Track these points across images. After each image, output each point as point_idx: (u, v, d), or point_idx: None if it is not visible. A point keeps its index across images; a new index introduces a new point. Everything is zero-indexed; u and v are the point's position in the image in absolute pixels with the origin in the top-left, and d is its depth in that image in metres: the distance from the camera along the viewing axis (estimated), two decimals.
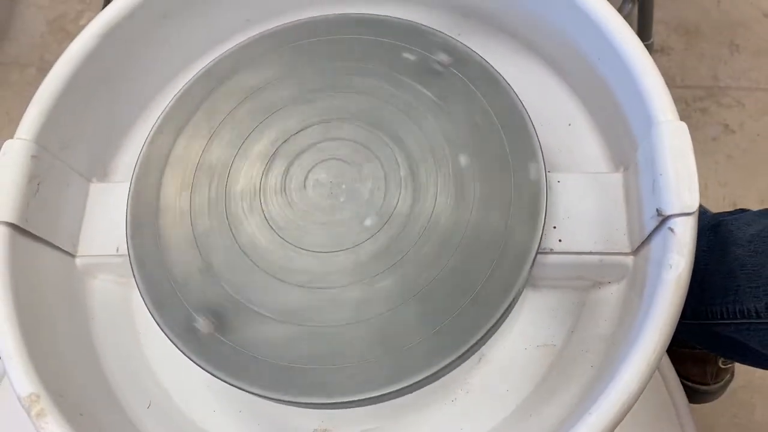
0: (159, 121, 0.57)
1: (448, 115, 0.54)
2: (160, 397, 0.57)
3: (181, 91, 0.58)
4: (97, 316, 0.59)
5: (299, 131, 0.55)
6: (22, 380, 0.47)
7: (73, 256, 0.59)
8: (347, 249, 0.50)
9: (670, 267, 0.44)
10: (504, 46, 0.65)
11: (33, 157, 0.54)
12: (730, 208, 1.12)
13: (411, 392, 0.48)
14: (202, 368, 0.47)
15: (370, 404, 0.48)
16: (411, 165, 0.52)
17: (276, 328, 0.47)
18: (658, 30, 1.23)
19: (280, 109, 0.56)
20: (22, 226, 0.53)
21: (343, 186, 0.52)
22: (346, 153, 0.53)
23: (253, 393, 0.46)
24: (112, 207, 0.60)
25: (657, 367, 0.43)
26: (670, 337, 0.43)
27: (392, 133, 0.54)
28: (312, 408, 0.47)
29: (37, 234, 0.55)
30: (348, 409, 0.55)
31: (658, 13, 1.10)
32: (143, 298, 0.51)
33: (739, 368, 0.95)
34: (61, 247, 0.57)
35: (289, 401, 0.46)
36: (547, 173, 0.52)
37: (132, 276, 0.59)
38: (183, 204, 0.52)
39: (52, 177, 0.57)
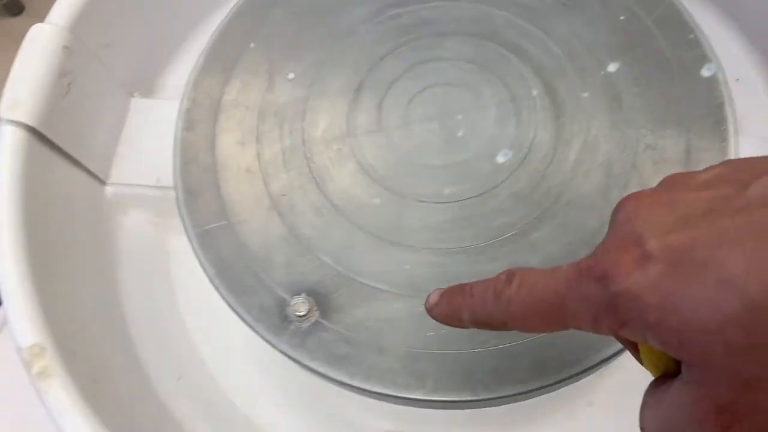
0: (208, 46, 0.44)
1: (579, 16, 0.41)
2: (194, 369, 0.46)
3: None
4: (125, 262, 0.48)
5: (386, 56, 0.42)
6: (24, 325, 0.36)
7: (102, 182, 0.48)
8: (479, 195, 0.37)
9: None
10: None
11: (65, 48, 0.43)
12: None
13: (547, 392, 0.35)
14: (306, 366, 0.34)
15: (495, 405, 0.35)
16: (545, 80, 0.40)
17: (393, 303, 0.35)
18: None
19: (357, 31, 0.43)
20: (44, 132, 0.41)
21: (459, 117, 0.40)
22: (454, 75, 0.41)
23: (371, 392, 0.33)
24: (155, 128, 0.49)
25: None
26: None
27: (510, 43, 0.41)
28: (429, 407, 0.35)
29: (62, 147, 0.43)
30: (429, 410, 0.42)
31: None
32: (212, 280, 0.37)
33: None
34: (89, 168, 0.46)
35: (421, 400, 0.33)
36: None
37: (172, 216, 0.48)
38: (248, 159, 0.40)
39: (86, 79, 0.45)
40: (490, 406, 0.34)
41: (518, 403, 0.35)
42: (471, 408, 0.34)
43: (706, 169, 0.21)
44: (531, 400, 0.35)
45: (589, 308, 0.20)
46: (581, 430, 0.43)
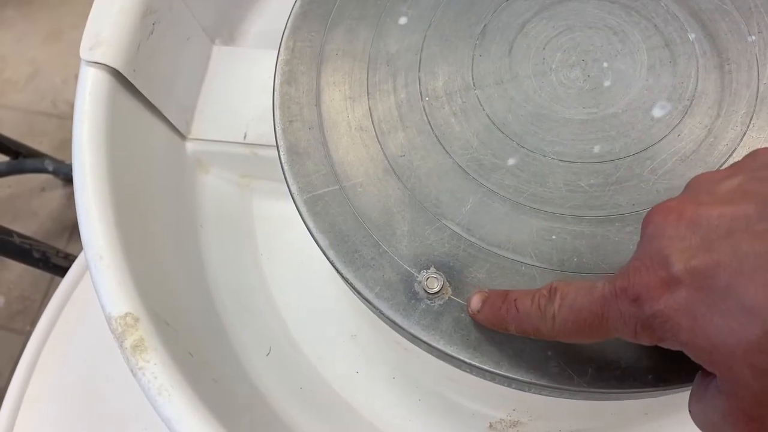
0: None
1: None
2: (283, 344, 0.41)
3: None
4: (207, 225, 0.44)
5: None
6: (115, 292, 0.32)
7: (183, 137, 0.43)
8: (635, 154, 0.32)
9: None
10: None
11: None
12: None
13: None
14: (440, 351, 0.29)
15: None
16: (703, 23, 0.34)
17: (540, 279, 0.30)
18: None
19: None
20: (127, 76, 0.37)
21: (604, 64, 0.34)
22: (595, 16, 0.35)
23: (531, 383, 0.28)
24: (240, 79, 0.44)
25: None
26: None
27: None
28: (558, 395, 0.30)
29: (145, 93, 0.39)
30: (548, 400, 0.38)
31: None
32: (326, 252, 0.32)
33: None
34: (171, 120, 0.41)
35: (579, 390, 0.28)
36: None
37: (258, 177, 0.44)
38: (359, 115, 0.35)
39: (170, 21, 0.40)
40: (654, 397, 0.29)
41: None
42: (632, 399, 0.30)
43: (731, 173, 0.22)
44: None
45: (627, 325, 0.21)
46: None
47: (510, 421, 0.38)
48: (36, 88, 1.33)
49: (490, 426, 0.38)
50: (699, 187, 0.23)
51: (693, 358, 0.20)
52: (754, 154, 0.23)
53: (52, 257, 0.78)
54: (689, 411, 0.23)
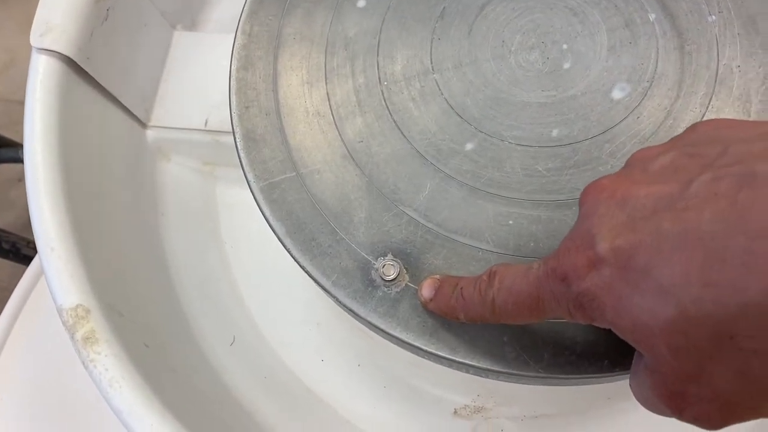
0: None
1: None
2: (247, 333, 0.41)
3: None
4: (169, 214, 0.43)
5: None
6: (66, 284, 0.31)
7: (143, 125, 0.42)
8: (594, 137, 0.31)
9: None
10: None
11: None
12: None
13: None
14: (396, 338, 0.29)
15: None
16: (664, 3, 0.34)
17: (492, 263, 0.28)
18: None
19: None
20: (80, 64, 0.36)
21: (564, 46, 0.34)
22: None
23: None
24: (201, 65, 0.43)
25: None
26: None
27: None
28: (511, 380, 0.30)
29: (100, 81, 0.38)
30: (512, 386, 0.38)
31: None
32: (282, 240, 0.31)
33: None
34: (129, 108, 0.41)
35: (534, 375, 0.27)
36: None
37: (221, 164, 0.43)
38: (316, 100, 0.34)
39: (125, 6, 0.39)
40: (612, 382, 0.29)
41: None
42: (590, 384, 0.29)
43: (666, 149, 0.22)
44: None
45: (560, 304, 0.21)
46: None
47: (474, 406, 0.38)
48: (12, 77, 1.31)
49: (455, 412, 0.38)
50: (635, 164, 0.22)
51: (621, 336, 0.20)
52: (693, 128, 0.22)
53: (22, 248, 0.77)
54: (630, 386, 0.23)
